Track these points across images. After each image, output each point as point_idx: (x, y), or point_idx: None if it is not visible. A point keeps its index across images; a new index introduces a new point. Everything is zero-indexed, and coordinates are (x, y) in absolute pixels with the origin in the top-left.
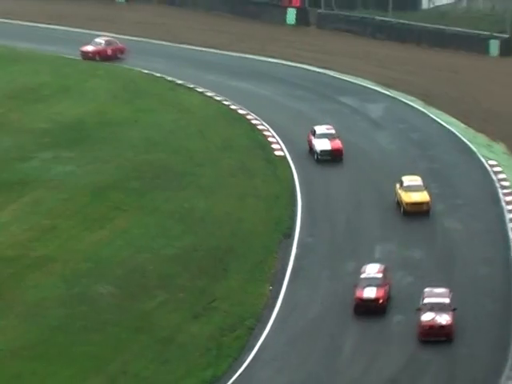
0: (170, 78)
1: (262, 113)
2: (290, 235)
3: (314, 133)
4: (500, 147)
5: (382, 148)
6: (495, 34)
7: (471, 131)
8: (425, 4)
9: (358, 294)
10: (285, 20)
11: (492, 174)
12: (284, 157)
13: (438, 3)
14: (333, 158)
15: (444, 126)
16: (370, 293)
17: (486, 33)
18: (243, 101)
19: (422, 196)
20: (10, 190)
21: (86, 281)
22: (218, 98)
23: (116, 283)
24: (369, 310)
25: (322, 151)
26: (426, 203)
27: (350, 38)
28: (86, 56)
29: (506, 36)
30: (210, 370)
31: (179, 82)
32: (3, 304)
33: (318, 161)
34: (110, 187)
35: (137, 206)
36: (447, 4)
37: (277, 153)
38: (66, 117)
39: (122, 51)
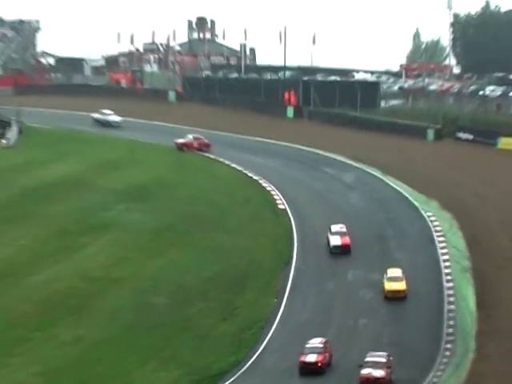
0: (206, 154)
1: (269, 178)
2: (288, 263)
3: (330, 230)
4: (434, 203)
5: (353, 203)
6: (431, 125)
7: (415, 192)
8: (382, 104)
9: (301, 358)
10: (286, 114)
11: (429, 222)
12: (285, 209)
13: (391, 103)
14: (342, 251)
15: (396, 189)
16: (311, 358)
17: (424, 124)
18: (256, 170)
19: (401, 285)
20: (96, 231)
21: (147, 294)
22: (239, 168)
23: (168, 296)
24: (310, 372)
25: (333, 246)
26: (403, 291)
27: (331, 127)
28: (178, 146)
29: (438, 126)
30: (234, 357)
31: (212, 156)
32: (92, 310)
33: (331, 253)
34: (165, 229)
35: (183, 242)
36: (397, 104)
37: (280, 206)
38: (135, 181)
39: (207, 146)
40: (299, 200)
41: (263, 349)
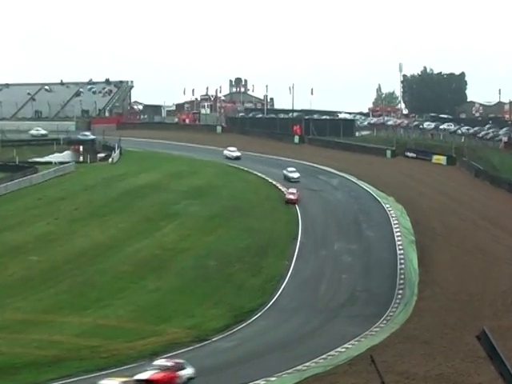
0: (242, 167)
1: (282, 182)
2: (296, 238)
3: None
4: (391, 198)
5: (338, 198)
6: (388, 147)
7: (378, 191)
8: (357, 134)
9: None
10: (293, 141)
11: (387, 210)
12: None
13: (362, 133)
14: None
15: (366, 189)
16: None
17: (384, 147)
18: (274, 177)
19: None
20: (169, 218)
21: (203, 259)
22: (262, 176)
23: (217, 259)
24: None
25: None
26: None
27: (323, 149)
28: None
29: (393, 148)
30: (260, 300)
31: (245, 169)
32: (167, 269)
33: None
34: (214, 216)
35: (227, 225)
36: (367, 133)
37: None
38: (194, 184)
39: (295, 201)
40: (303, 197)
41: (279, 295)
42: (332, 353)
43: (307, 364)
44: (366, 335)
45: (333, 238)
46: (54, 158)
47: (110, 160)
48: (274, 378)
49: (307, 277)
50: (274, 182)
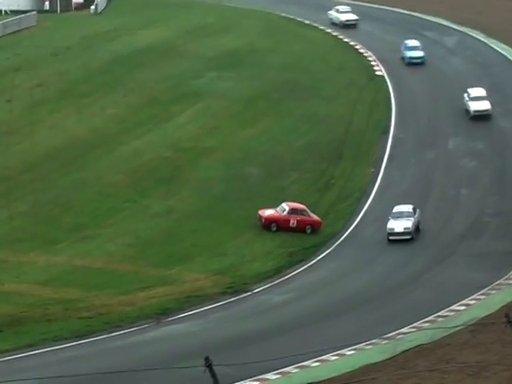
0: (299, 19)
1: (365, 43)
2: (386, 132)
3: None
4: None
5: (454, 67)
6: None
7: None
8: None
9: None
10: None
11: None
12: (382, 75)
13: None
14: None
15: (500, 52)
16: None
17: None
18: (352, 35)
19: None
20: (186, 100)
21: (239, 165)
22: (334, 34)
23: (261, 166)
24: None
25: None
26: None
27: None
28: None
29: None
30: (329, 229)
31: (306, 22)
32: (182, 180)
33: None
34: (258, 97)
35: (276, 111)
36: None
37: (377, 72)
38: (226, 47)
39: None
40: (397, 65)
41: (359, 221)
42: (444, 313)
43: (404, 330)
44: (500, 285)
45: (445, 130)
46: (5, 4)
47: (93, 8)
48: (350, 351)
49: (404, 192)
50: (351, 43)
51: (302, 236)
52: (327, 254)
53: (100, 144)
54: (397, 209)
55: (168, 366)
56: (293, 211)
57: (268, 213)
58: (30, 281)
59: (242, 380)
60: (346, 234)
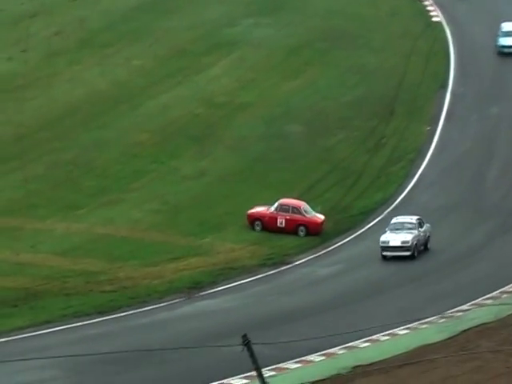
0: None
1: None
2: (444, 86)
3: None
4: None
5: None
6: None
7: None
8: None
9: None
10: None
11: None
12: (440, 22)
13: None
14: None
15: None
16: None
17: None
18: None
19: None
20: (219, 50)
21: (280, 122)
22: None
23: (304, 124)
24: None
25: None
26: None
27: None
28: None
29: None
30: (380, 194)
31: None
32: (215, 139)
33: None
34: (301, 47)
35: (322, 62)
36: None
37: (434, 19)
38: None
39: None
40: (457, 11)
41: (414, 185)
42: (509, 288)
43: (464, 307)
44: None
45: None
46: None
47: None
48: (403, 331)
49: (462, 155)
50: None
51: (350, 202)
52: (377, 222)
53: (124, 99)
54: (396, 219)
55: (201, 344)
56: (282, 208)
57: (257, 209)
58: (46, 251)
59: (282, 361)
60: (398, 200)
